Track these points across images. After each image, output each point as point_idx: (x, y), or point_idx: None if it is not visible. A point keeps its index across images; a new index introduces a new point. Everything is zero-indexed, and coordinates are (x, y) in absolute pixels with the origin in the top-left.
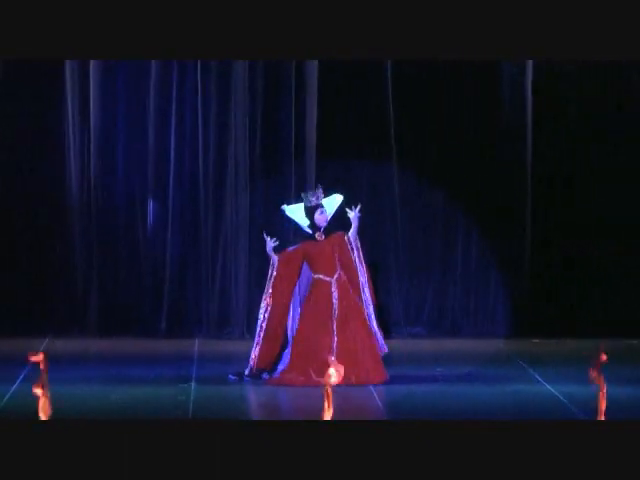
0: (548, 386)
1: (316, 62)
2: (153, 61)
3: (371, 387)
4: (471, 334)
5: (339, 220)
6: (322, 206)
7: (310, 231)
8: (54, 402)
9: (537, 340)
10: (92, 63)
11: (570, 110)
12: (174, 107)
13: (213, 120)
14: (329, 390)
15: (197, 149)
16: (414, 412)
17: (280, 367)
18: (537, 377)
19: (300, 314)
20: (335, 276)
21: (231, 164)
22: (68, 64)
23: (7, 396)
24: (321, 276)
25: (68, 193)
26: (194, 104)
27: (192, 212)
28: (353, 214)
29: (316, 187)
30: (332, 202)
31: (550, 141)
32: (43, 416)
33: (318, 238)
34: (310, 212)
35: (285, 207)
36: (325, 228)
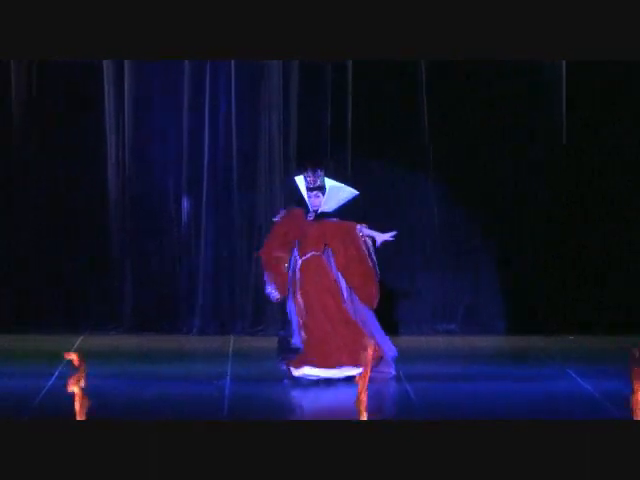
0: (584, 383)
1: (350, 62)
2: (187, 61)
3: (407, 386)
4: (503, 331)
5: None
6: (319, 190)
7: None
8: (88, 399)
9: (573, 337)
10: (126, 63)
11: (602, 110)
12: (207, 107)
13: (247, 120)
14: (363, 382)
15: (231, 149)
16: (446, 411)
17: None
18: (572, 374)
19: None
20: (322, 251)
21: (265, 163)
22: (105, 64)
23: (42, 392)
24: (308, 255)
25: (104, 193)
26: (228, 104)
27: (226, 210)
28: (385, 236)
29: (315, 169)
30: (340, 190)
31: (582, 142)
32: (79, 416)
33: (308, 217)
34: (307, 191)
35: (297, 178)
36: (321, 213)
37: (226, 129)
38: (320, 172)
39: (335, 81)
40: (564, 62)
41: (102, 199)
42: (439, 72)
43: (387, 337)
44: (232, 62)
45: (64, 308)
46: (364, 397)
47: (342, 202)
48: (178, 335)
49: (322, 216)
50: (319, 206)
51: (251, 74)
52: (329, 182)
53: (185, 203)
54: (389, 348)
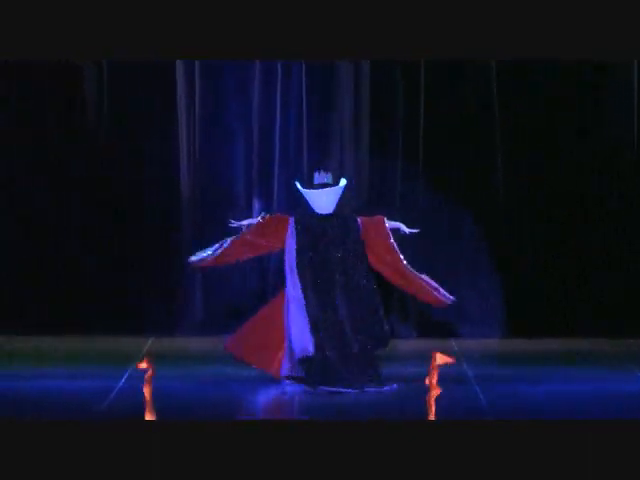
0: None
1: (422, 62)
2: (257, 61)
3: (477, 387)
4: (571, 334)
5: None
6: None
7: None
8: (157, 401)
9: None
10: (197, 63)
11: (599, 110)
12: (279, 107)
13: (317, 120)
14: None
15: (302, 150)
16: (519, 413)
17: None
18: None
19: None
20: None
21: (336, 164)
22: (178, 64)
23: (112, 394)
24: None
25: (174, 194)
26: (299, 104)
27: (297, 208)
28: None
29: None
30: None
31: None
32: (149, 416)
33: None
34: None
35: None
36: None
37: (297, 130)
38: (321, 173)
39: (406, 81)
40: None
41: (174, 205)
42: (508, 71)
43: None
44: (302, 63)
45: (134, 310)
46: (434, 397)
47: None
48: None
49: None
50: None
51: (322, 73)
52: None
53: (256, 204)
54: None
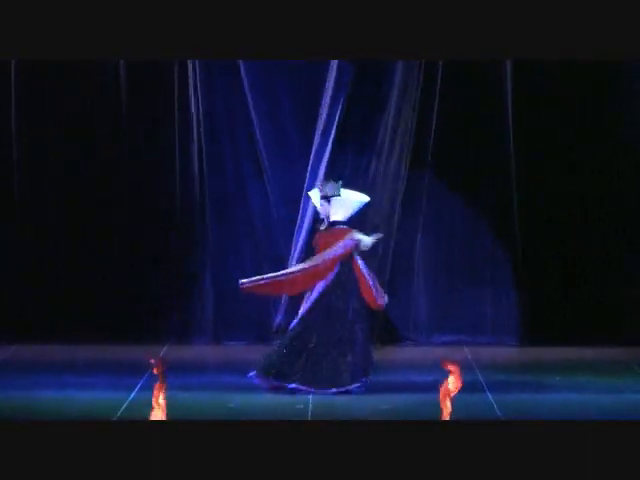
0: None
1: (440, 63)
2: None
3: (489, 395)
4: (586, 343)
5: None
6: (324, 199)
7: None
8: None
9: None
10: (216, 63)
11: (596, 110)
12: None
13: (331, 124)
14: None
15: (322, 157)
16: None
17: None
18: None
19: None
20: None
21: (377, 168)
22: (190, 64)
23: (125, 404)
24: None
25: (189, 207)
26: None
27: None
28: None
29: (323, 180)
30: (349, 199)
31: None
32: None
33: (320, 227)
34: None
35: (311, 192)
36: (333, 222)
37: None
38: (326, 183)
39: (425, 80)
40: None
41: (185, 206)
42: (524, 71)
43: None
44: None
45: (147, 318)
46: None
47: (352, 210)
48: (261, 345)
49: (333, 224)
50: (326, 214)
51: (370, 74)
52: (343, 192)
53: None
54: None
